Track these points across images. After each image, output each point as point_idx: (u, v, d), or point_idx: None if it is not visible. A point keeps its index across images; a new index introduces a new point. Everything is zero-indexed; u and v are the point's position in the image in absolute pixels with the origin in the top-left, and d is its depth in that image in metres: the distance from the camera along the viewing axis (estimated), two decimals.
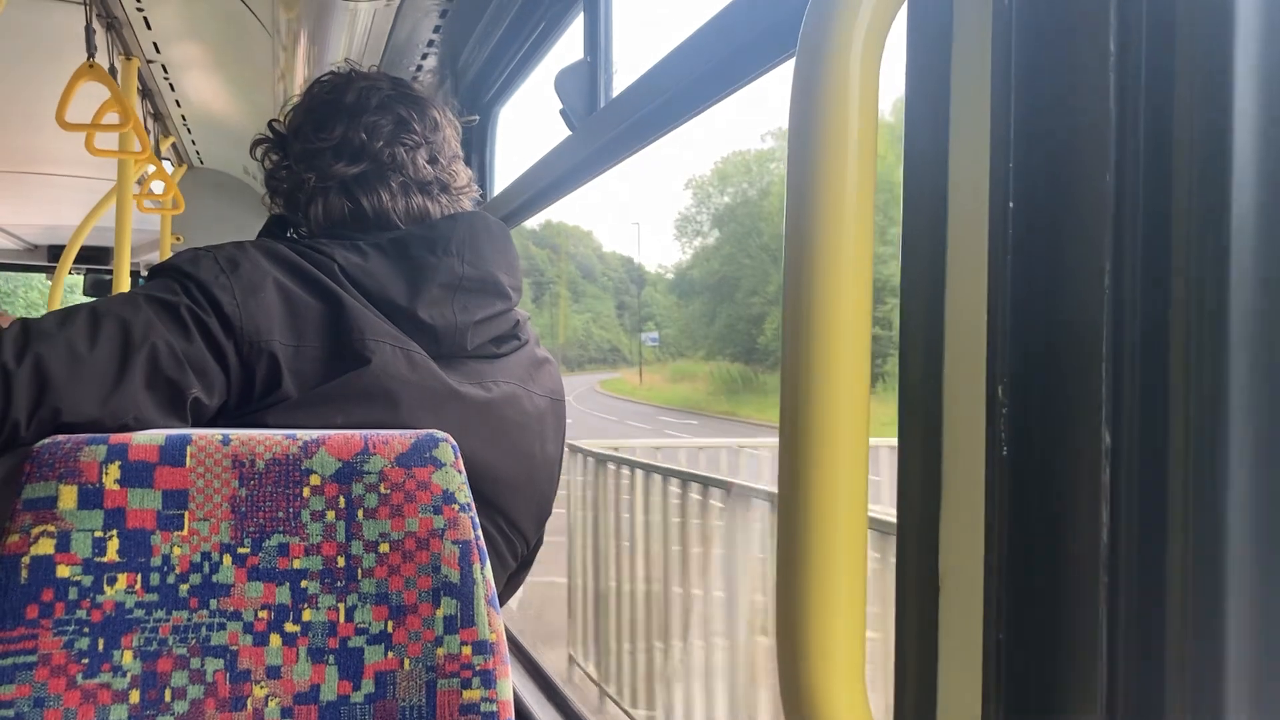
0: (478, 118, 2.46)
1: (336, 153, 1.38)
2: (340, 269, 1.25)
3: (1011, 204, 0.60)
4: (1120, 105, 0.56)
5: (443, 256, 1.31)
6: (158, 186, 3.67)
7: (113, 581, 1.06)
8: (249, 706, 1.08)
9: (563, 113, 1.85)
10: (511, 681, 1.16)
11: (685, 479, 4.03)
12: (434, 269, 1.30)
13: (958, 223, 0.65)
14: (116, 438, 1.07)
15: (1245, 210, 0.52)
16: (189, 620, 1.07)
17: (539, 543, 1.50)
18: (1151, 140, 0.55)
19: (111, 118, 2.50)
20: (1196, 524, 0.52)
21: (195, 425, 1.16)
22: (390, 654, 1.10)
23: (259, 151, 1.48)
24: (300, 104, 1.46)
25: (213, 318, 1.16)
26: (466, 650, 1.11)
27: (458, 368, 1.32)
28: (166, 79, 3.03)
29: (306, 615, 1.10)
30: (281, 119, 1.47)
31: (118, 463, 1.06)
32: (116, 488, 1.06)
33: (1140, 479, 0.54)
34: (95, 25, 2.34)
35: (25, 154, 3.79)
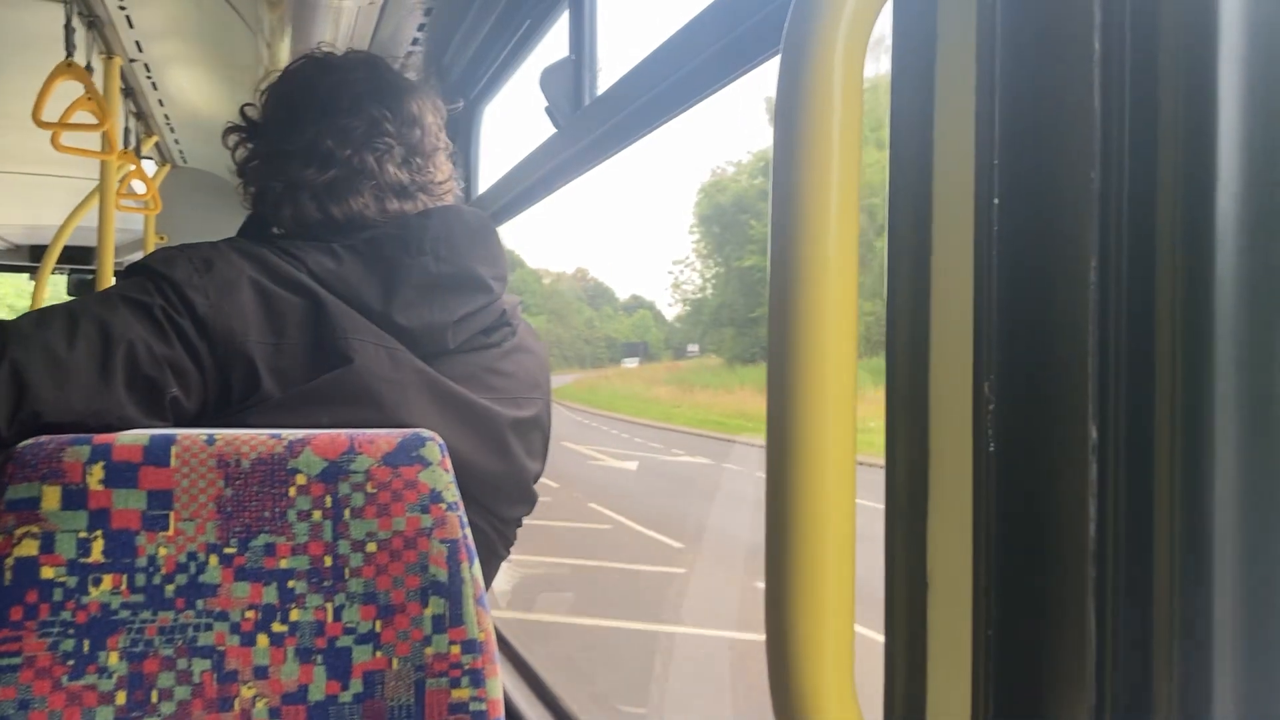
0: (461, 103, 2.44)
1: (305, 158, 1.34)
2: (311, 273, 1.23)
3: (997, 200, 0.60)
4: (1105, 101, 0.56)
5: (416, 255, 1.29)
6: (139, 186, 3.64)
7: (98, 582, 1.05)
8: (236, 707, 1.07)
9: (548, 110, 1.85)
10: (501, 680, 1.15)
11: None
12: (408, 269, 1.28)
13: (943, 219, 0.65)
14: (100, 438, 1.06)
15: (1230, 205, 0.52)
16: (175, 621, 1.07)
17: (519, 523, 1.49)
18: (1136, 136, 0.55)
19: (89, 118, 2.48)
20: (1183, 519, 0.52)
21: (177, 426, 1.15)
22: (378, 653, 1.10)
23: (231, 140, 1.43)
24: (273, 93, 1.42)
25: (186, 319, 1.15)
26: (455, 649, 1.10)
27: (443, 364, 1.31)
28: (149, 78, 3.00)
29: (294, 615, 1.09)
30: (256, 104, 1.43)
31: (101, 463, 1.05)
32: (100, 488, 1.05)
33: (1127, 474, 0.54)
34: (75, 23, 2.33)
35: (7, 153, 3.76)
